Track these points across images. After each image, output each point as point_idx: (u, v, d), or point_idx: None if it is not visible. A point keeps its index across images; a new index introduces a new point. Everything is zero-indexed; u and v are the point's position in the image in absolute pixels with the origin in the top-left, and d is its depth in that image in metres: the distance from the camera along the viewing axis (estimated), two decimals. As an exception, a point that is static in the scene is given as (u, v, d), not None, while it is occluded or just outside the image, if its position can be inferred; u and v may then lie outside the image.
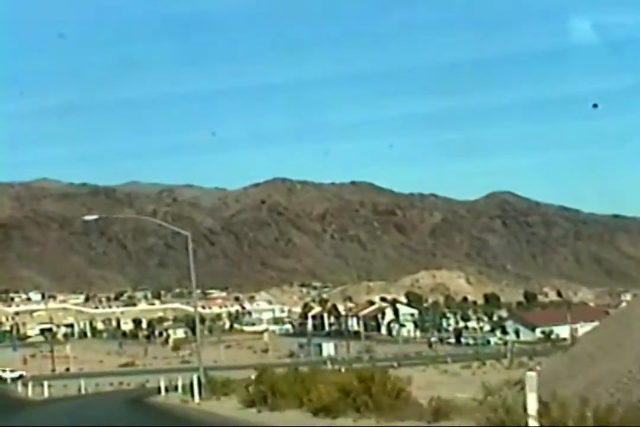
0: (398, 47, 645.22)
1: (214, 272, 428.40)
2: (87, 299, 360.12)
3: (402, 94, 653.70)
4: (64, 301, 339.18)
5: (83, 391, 78.80)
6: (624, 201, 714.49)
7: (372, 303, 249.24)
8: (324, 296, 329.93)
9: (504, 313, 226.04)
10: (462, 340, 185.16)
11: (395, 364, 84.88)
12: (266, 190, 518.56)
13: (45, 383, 71.93)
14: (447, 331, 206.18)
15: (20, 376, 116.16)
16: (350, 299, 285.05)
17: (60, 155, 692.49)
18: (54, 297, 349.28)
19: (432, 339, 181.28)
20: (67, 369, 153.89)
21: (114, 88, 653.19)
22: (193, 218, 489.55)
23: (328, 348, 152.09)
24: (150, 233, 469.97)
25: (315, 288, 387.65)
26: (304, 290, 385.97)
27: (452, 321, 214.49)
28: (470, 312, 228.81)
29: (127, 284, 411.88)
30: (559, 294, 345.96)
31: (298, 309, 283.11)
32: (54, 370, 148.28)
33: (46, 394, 69.79)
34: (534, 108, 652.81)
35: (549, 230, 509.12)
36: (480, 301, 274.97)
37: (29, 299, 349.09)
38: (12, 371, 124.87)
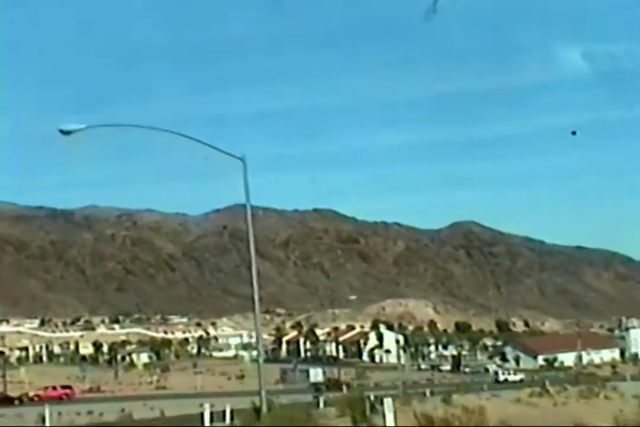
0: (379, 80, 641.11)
1: (174, 298, 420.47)
2: (42, 323, 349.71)
3: (369, 125, 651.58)
4: (18, 325, 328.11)
5: (47, 424, 60.14)
6: (587, 233, 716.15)
7: (352, 328, 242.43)
8: (288, 324, 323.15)
9: (488, 341, 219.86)
10: (462, 368, 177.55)
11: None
12: (227, 216, 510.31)
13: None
14: (430, 358, 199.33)
15: None
16: (315, 327, 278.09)
17: (16, 178, 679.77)
18: (7, 321, 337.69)
19: (423, 366, 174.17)
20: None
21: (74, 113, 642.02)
22: (153, 243, 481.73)
23: (316, 374, 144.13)
24: (108, 258, 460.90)
25: (279, 315, 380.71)
26: (268, 317, 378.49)
27: (432, 348, 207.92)
28: (457, 340, 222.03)
29: (85, 309, 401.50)
30: (527, 324, 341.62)
31: (264, 336, 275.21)
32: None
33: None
34: (500, 143, 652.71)
35: (513, 260, 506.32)
36: (450, 330, 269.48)
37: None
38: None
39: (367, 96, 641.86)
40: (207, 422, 45.09)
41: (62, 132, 32.08)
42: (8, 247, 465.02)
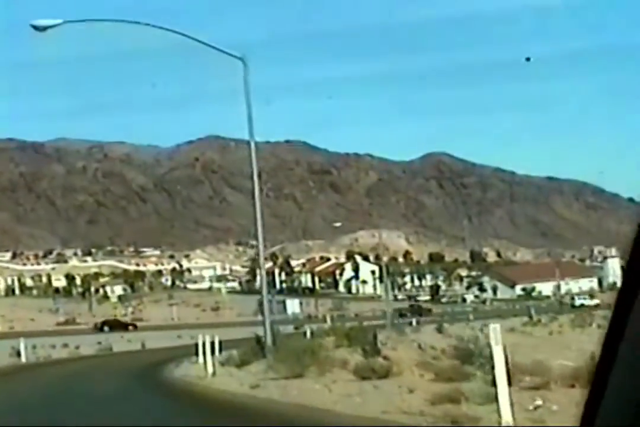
0: (345, 8, 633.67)
1: (146, 230, 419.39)
2: (14, 256, 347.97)
3: (342, 55, 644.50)
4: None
5: (24, 359, 54.69)
6: (557, 164, 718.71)
7: (327, 260, 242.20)
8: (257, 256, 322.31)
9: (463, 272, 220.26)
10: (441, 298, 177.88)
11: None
12: (200, 148, 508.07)
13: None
14: (405, 289, 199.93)
15: None
16: (289, 258, 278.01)
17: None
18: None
19: (400, 297, 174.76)
20: None
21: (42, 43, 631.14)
22: (124, 175, 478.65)
23: (292, 305, 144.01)
24: (79, 190, 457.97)
25: (252, 247, 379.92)
26: (240, 248, 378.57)
27: (407, 279, 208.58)
28: (432, 271, 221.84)
29: (56, 241, 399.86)
30: (499, 255, 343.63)
31: (237, 267, 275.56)
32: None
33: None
34: (471, 70, 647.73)
35: (484, 191, 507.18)
36: (424, 261, 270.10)
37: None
38: None
39: (339, 25, 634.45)
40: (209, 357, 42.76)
41: (36, 28, 28.45)
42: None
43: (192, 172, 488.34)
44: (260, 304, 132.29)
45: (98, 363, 52.53)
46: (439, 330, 59.88)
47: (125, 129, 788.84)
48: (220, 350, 41.82)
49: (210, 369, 30.59)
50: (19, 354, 56.21)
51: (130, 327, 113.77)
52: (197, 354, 38.08)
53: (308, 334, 58.25)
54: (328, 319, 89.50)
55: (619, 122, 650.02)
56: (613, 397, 2.32)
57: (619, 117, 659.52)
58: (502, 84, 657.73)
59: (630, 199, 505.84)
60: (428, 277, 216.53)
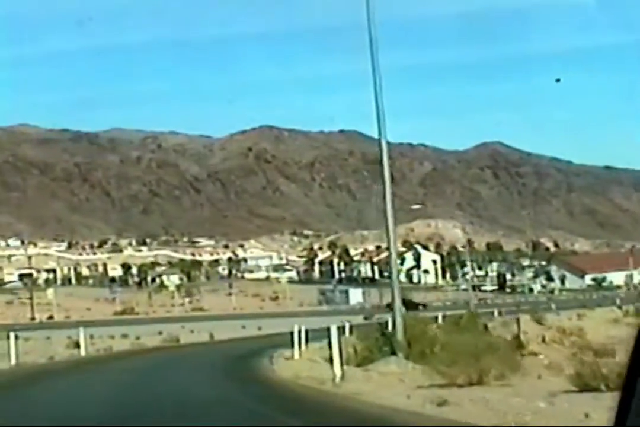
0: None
1: (200, 220, 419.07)
2: (69, 246, 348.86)
3: (394, 46, 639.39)
4: (45, 248, 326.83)
5: (83, 351, 48.06)
6: (616, 153, 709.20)
7: (387, 249, 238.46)
8: (316, 245, 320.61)
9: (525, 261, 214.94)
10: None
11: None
12: (253, 138, 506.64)
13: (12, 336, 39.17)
14: (467, 279, 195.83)
15: None
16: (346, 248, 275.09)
17: (41, 101, 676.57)
18: (35, 244, 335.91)
19: (463, 287, 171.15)
20: (50, 318, 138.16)
21: (98, 34, 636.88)
22: (178, 165, 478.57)
23: (356, 295, 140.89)
24: (134, 180, 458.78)
25: (306, 237, 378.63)
26: (295, 238, 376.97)
27: (468, 269, 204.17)
28: (495, 260, 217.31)
29: (111, 231, 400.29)
30: (556, 245, 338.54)
31: (293, 257, 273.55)
32: (33, 318, 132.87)
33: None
34: (525, 63, 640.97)
35: (540, 181, 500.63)
36: (481, 251, 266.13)
37: (7, 245, 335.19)
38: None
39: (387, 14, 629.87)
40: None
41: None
42: (33, 170, 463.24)
43: (245, 162, 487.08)
44: (322, 293, 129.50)
45: (169, 357, 46.65)
46: (538, 321, 56.65)
47: (178, 119, 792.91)
48: (307, 342, 39.45)
49: (337, 370, 23.76)
50: (77, 345, 49.96)
51: (421, 307, 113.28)
52: (292, 345, 36.09)
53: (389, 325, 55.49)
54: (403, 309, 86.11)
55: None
56: None
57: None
58: (559, 75, 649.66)
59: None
60: (492, 267, 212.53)
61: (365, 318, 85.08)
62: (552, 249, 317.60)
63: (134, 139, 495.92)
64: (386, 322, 56.95)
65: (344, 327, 48.50)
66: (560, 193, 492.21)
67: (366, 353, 28.35)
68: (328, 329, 24.38)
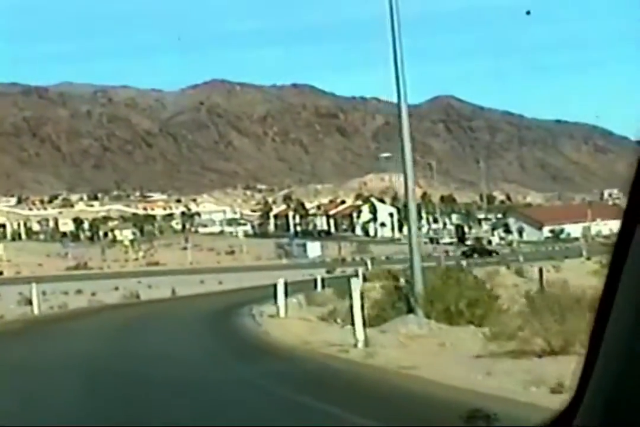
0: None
1: (152, 174, 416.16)
2: (19, 201, 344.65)
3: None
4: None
5: (36, 310, 45.10)
6: (567, 107, 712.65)
7: (342, 202, 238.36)
8: (270, 199, 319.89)
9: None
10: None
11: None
12: (205, 92, 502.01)
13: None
14: (428, 231, 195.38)
15: None
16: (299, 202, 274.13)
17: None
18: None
19: (422, 240, 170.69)
20: (0, 273, 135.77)
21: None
22: (129, 120, 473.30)
23: (314, 249, 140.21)
24: (84, 135, 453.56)
25: (259, 191, 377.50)
26: (248, 193, 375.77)
27: (424, 222, 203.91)
28: (451, 212, 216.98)
29: (62, 186, 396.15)
30: (509, 198, 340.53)
31: (247, 211, 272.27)
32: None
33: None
34: (477, 14, 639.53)
35: (493, 135, 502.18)
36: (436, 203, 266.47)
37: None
38: None
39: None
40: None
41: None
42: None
43: (198, 116, 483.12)
44: (279, 247, 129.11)
45: (134, 316, 41.79)
46: (519, 273, 56.24)
47: (129, 73, 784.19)
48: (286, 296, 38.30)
49: (360, 334, 19.87)
50: (30, 302, 46.69)
51: (494, 254, 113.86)
52: (275, 301, 34.86)
53: (360, 277, 53.84)
54: (369, 262, 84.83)
55: (626, 65, 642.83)
56: (604, 365, 2.18)
57: (627, 60, 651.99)
58: (509, 26, 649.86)
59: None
60: (450, 219, 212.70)
61: (328, 272, 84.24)
62: (505, 202, 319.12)
63: (84, 93, 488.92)
64: (363, 275, 55.85)
65: (315, 281, 47.70)
66: (513, 147, 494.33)
67: (376, 310, 24.70)
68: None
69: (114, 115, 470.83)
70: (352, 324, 20.86)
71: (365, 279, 52.73)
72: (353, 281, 21.34)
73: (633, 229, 1.98)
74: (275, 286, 35.76)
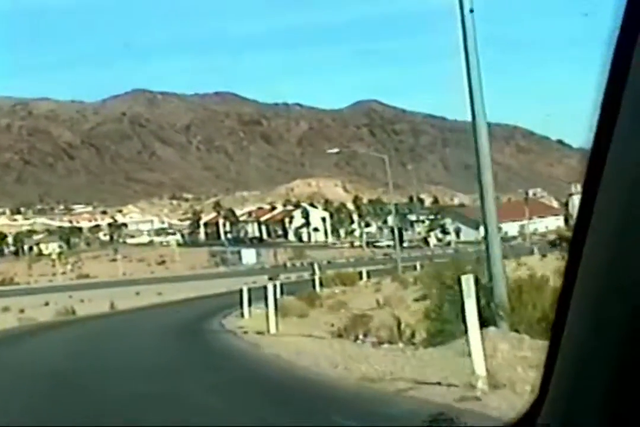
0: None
1: (76, 187, 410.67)
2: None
3: (273, 6, 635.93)
4: None
5: None
6: (487, 108, 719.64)
7: (273, 208, 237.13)
8: (197, 207, 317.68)
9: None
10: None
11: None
12: (126, 102, 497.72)
13: None
14: (360, 235, 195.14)
15: None
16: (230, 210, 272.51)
17: None
18: None
19: (357, 243, 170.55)
20: None
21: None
22: (50, 132, 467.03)
23: (249, 256, 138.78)
24: (5, 149, 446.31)
25: (186, 200, 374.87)
26: (175, 202, 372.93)
27: (355, 225, 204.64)
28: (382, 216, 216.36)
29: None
30: (436, 200, 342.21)
31: (175, 221, 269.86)
32: None
33: None
34: (398, 20, 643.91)
35: (416, 138, 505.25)
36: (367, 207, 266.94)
37: None
38: None
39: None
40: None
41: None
42: None
43: (120, 127, 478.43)
44: (213, 255, 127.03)
45: (78, 339, 33.55)
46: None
47: (48, 85, 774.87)
48: (250, 303, 36.12)
49: (480, 366, 13.06)
50: None
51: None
52: (242, 309, 32.76)
53: (317, 283, 51.78)
54: (316, 267, 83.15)
55: (545, 66, 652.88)
56: (569, 350, 2.17)
57: (545, 62, 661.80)
58: (429, 32, 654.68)
59: (560, 141, 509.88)
60: (387, 221, 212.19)
61: (270, 278, 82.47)
62: (433, 204, 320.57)
63: (3, 106, 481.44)
64: (312, 281, 54.16)
65: (274, 287, 43.53)
66: (436, 149, 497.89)
67: (434, 324, 19.50)
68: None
69: (35, 128, 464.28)
70: (426, 344, 17.26)
71: (321, 285, 51.65)
72: (468, 278, 14.42)
73: (587, 225, 2.02)
74: (241, 292, 34.79)
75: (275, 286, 31.95)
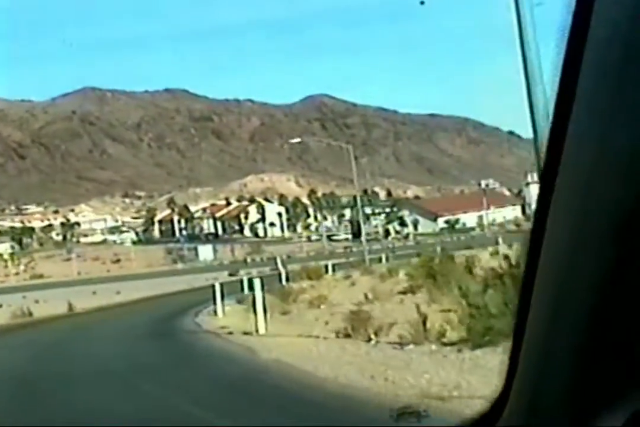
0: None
1: (27, 187, 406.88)
2: None
3: (212, 2, 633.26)
4: None
5: None
6: (439, 100, 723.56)
7: (228, 204, 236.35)
8: (150, 205, 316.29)
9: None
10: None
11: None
12: (76, 101, 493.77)
13: None
14: (317, 229, 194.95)
15: None
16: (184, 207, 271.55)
17: None
18: None
19: (314, 237, 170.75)
20: None
21: None
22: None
23: (205, 252, 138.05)
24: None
25: (139, 198, 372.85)
26: (127, 200, 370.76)
27: (311, 220, 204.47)
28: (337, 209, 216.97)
29: None
30: (389, 193, 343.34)
31: (128, 219, 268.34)
32: None
33: None
34: (349, 13, 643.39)
35: (368, 131, 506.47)
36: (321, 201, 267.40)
37: None
38: None
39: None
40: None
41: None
42: None
43: (70, 126, 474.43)
44: (169, 252, 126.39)
45: (36, 345, 30.58)
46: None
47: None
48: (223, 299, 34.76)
49: None
50: None
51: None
52: (215, 306, 31.35)
53: (284, 278, 51.16)
54: (279, 262, 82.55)
55: (496, 57, 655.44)
56: (531, 349, 2.15)
57: (495, 53, 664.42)
58: (379, 24, 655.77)
59: (511, 132, 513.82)
60: (340, 216, 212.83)
61: (231, 274, 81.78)
62: (386, 197, 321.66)
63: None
64: (279, 275, 53.79)
65: (241, 282, 39.80)
66: (389, 142, 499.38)
67: (483, 320, 17.20)
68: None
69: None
70: (473, 345, 15.24)
71: (287, 279, 51.22)
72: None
73: (546, 215, 1.98)
74: (213, 288, 32.99)
75: (250, 280, 30.47)
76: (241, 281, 38.93)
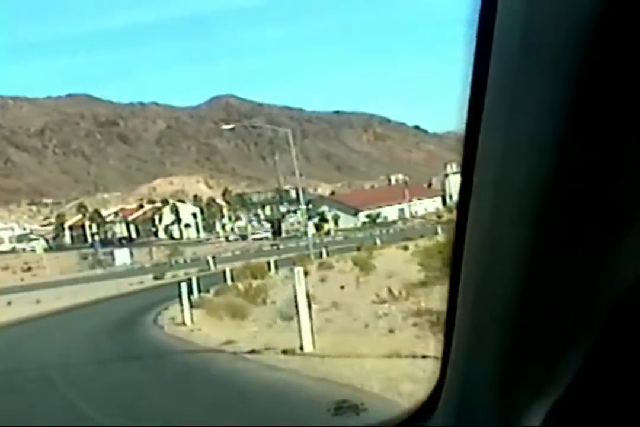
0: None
1: None
2: None
3: (115, 4, 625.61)
4: None
5: None
6: (344, 97, 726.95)
7: (141, 206, 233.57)
8: (59, 211, 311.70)
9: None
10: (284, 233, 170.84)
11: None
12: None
13: None
14: (232, 229, 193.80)
15: None
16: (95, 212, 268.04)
17: None
18: None
19: (232, 237, 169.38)
20: None
21: None
22: None
23: (122, 256, 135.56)
24: None
25: (46, 205, 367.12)
26: (34, 208, 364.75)
27: (225, 220, 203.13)
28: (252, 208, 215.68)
29: None
30: (301, 191, 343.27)
31: (36, 226, 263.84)
32: None
33: None
34: (251, 13, 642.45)
35: (275, 130, 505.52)
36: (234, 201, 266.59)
37: None
38: None
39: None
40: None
41: None
42: None
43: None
44: (84, 258, 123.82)
45: None
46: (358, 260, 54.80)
47: None
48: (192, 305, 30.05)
49: None
50: None
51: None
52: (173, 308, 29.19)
53: (228, 277, 49.69)
54: (211, 262, 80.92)
55: (395, 54, 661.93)
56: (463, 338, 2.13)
57: (395, 50, 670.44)
58: (281, 23, 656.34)
59: (416, 127, 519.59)
60: (256, 216, 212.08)
61: (157, 278, 79.76)
62: (294, 195, 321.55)
63: None
64: (223, 274, 52.62)
65: (190, 285, 34.85)
66: (296, 140, 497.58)
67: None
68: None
69: None
70: None
71: (232, 279, 49.86)
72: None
73: (467, 205, 1.98)
74: (179, 288, 29.31)
75: (198, 281, 27.61)
76: (184, 283, 32.22)
